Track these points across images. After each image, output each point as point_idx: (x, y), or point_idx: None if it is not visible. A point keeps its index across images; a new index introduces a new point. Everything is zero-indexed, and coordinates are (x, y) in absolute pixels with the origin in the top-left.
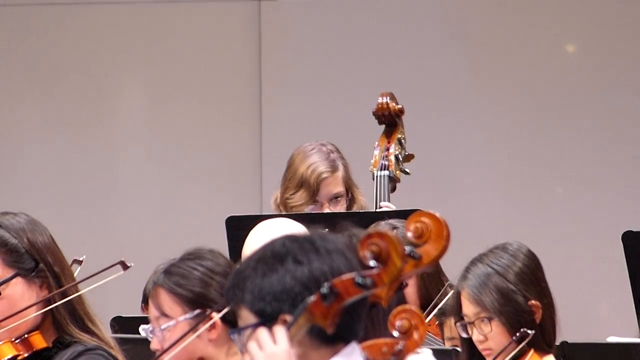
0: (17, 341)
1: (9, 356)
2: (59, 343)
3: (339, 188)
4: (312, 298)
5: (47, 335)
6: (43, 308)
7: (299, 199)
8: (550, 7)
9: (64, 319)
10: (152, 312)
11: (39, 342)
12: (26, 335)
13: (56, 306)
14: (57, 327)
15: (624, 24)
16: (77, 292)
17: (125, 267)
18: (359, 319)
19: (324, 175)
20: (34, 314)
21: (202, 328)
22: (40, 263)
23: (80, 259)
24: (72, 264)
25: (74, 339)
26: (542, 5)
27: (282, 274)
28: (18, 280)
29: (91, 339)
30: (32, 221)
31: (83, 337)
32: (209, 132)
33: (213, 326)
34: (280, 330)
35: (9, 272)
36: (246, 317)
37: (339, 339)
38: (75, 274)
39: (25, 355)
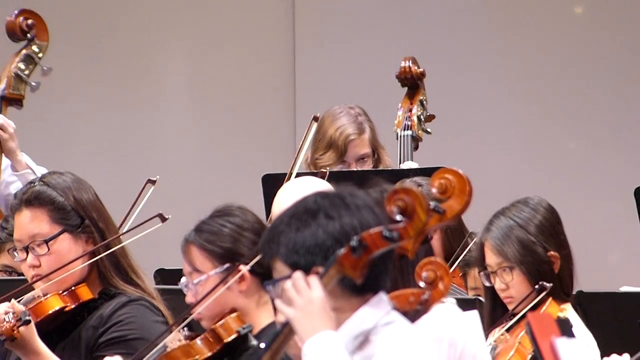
0: (64, 293)
1: (57, 307)
2: (104, 294)
3: (366, 149)
4: (343, 250)
5: (93, 287)
6: (88, 261)
7: (327, 159)
8: None
9: (108, 272)
10: (186, 267)
11: (85, 293)
12: (73, 288)
13: (101, 259)
14: (102, 280)
15: None
16: (121, 245)
17: (163, 219)
18: (386, 271)
19: (352, 137)
20: (80, 267)
21: (232, 281)
22: (86, 219)
23: (154, 178)
24: (146, 184)
25: (119, 291)
26: None
27: (315, 229)
28: (65, 236)
29: (135, 290)
30: (78, 180)
31: (127, 288)
32: (245, 93)
33: (242, 278)
34: (314, 279)
35: (57, 229)
36: (281, 269)
37: (368, 289)
38: (148, 194)
39: (72, 306)
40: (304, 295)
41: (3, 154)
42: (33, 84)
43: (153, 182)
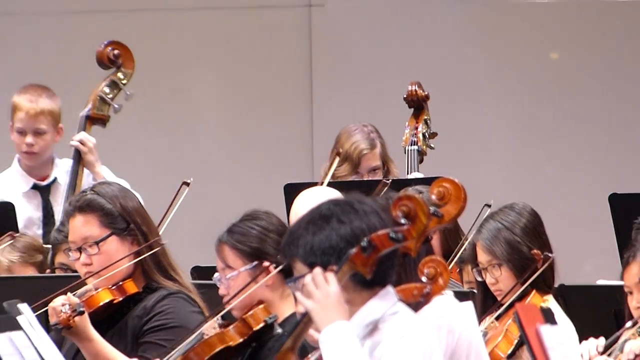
0: (113, 288)
1: (106, 300)
2: (148, 288)
3: (377, 162)
4: (354, 250)
5: (138, 282)
6: (134, 260)
7: (343, 170)
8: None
9: (151, 269)
10: (219, 264)
11: (131, 287)
12: (120, 283)
13: (144, 258)
14: (145, 276)
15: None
16: (162, 246)
17: (187, 184)
18: (392, 267)
19: (365, 152)
20: (126, 265)
21: (263, 280)
22: (131, 224)
23: (188, 180)
24: (181, 186)
25: (160, 285)
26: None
27: (329, 233)
28: (113, 238)
29: (174, 285)
30: (124, 189)
31: (167, 283)
32: (267, 114)
33: (268, 273)
34: (331, 275)
35: (106, 232)
36: (300, 268)
37: (376, 283)
38: (183, 195)
39: (120, 299)
40: (322, 290)
41: (85, 168)
42: (116, 106)
43: (187, 184)
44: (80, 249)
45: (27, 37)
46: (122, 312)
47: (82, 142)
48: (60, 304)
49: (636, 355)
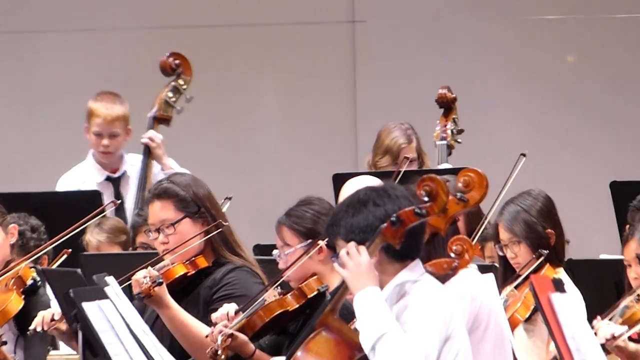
0: (187, 262)
1: (181, 273)
2: (216, 263)
3: (413, 154)
4: (385, 224)
5: (208, 257)
6: (204, 238)
7: (384, 162)
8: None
9: (219, 246)
10: (278, 242)
11: (202, 262)
12: (193, 258)
13: (213, 237)
14: (214, 252)
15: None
16: (227, 226)
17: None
18: (420, 243)
19: (402, 145)
20: (197, 243)
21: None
22: (202, 208)
23: (230, 196)
24: (224, 200)
25: (227, 260)
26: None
27: (366, 214)
28: (186, 220)
29: (239, 260)
30: (195, 179)
31: (233, 258)
32: (318, 119)
33: (321, 250)
34: (362, 248)
35: (180, 215)
36: (342, 245)
37: (406, 257)
38: (225, 208)
39: (193, 272)
40: (355, 260)
41: (154, 160)
42: (178, 108)
43: (229, 199)
44: (158, 230)
45: (104, 49)
46: (195, 284)
47: (151, 139)
48: (142, 277)
49: (611, 337)
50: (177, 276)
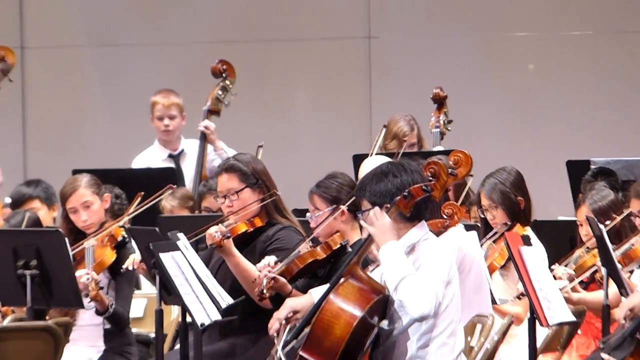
0: (247, 222)
1: (243, 230)
2: (269, 223)
3: (414, 140)
4: (399, 197)
5: (263, 219)
6: (261, 204)
7: (392, 145)
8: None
9: (271, 210)
10: (310, 207)
11: (259, 222)
12: (252, 219)
13: (267, 203)
14: (268, 215)
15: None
16: (278, 195)
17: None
18: (426, 208)
19: (407, 133)
20: (255, 207)
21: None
22: (259, 180)
23: (261, 144)
24: (257, 148)
25: (277, 221)
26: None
27: (386, 183)
28: (247, 190)
29: (286, 221)
30: (254, 157)
31: (282, 220)
32: (342, 116)
33: (343, 213)
34: (384, 212)
35: (242, 185)
36: (366, 205)
37: (415, 219)
38: (260, 155)
39: (251, 229)
40: (380, 220)
41: (209, 144)
42: (226, 102)
43: (261, 146)
44: (225, 197)
45: (171, 57)
46: (252, 239)
47: (206, 127)
48: (215, 231)
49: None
50: (240, 232)
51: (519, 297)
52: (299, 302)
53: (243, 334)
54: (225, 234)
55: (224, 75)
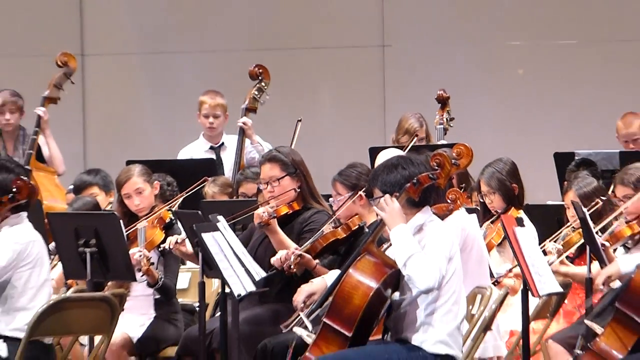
0: (287, 205)
1: (284, 212)
2: (305, 207)
3: (423, 135)
4: (408, 185)
5: (299, 203)
6: (298, 190)
7: (403, 139)
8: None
9: (307, 196)
10: (333, 192)
11: (296, 206)
12: (290, 202)
13: (303, 189)
14: (303, 200)
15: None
16: (313, 184)
17: (300, 120)
18: (431, 195)
19: (417, 129)
20: (294, 193)
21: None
22: (297, 169)
23: (300, 118)
24: (297, 122)
25: (311, 206)
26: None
27: (396, 174)
28: (287, 178)
29: (319, 206)
30: (293, 149)
31: (315, 205)
32: (359, 116)
33: (361, 198)
34: (394, 198)
35: (283, 174)
36: (378, 193)
37: (421, 204)
38: (298, 129)
39: (290, 212)
40: (390, 206)
41: (247, 138)
42: (262, 102)
43: (300, 120)
44: (267, 183)
45: (215, 63)
46: (290, 220)
47: (244, 123)
48: (262, 212)
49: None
50: (282, 214)
51: (513, 269)
52: (314, 287)
53: (279, 302)
54: (272, 214)
55: (259, 77)
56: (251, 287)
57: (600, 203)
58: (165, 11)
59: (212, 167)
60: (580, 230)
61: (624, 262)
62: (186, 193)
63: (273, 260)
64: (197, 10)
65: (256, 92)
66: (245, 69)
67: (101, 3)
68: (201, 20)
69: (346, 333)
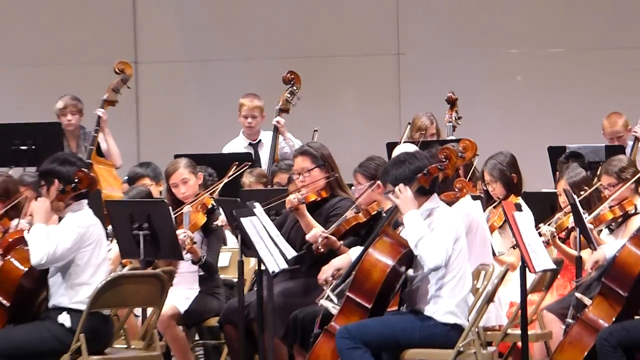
0: (316, 192)
1: (313, 199)
2: (332, 195)
3: (434, 131)
4: (420, 174)
5: (327, 192)
6: (326, 180)
7: (417, 136)
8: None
9: (334, 186)
10: (354, 182)
11: (324, 194)
12: (319, 190)
13: (331, 180)
14: (331, 189)
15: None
16: (339, 175)
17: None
18: (437, 185)
19: (428, 126)
20: (322, 183)
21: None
22: (326, 162)
23: (316, 129)
24: (313, 132)
25: (338, 194)
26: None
27: (403, 169)
28: (317, 169)
29: (345, 194)
30: (322, 145)
31: (341, 193)
32: (378, 116)
33: (378, 187)
34: (407, 187)
35: (313, 166)
36: (390, 187)
37: (429, 192)
38: (315, 137)
39: (319, 198)
40: (403, 194)
41: (280, 135)
42: (293, 103)
43: (316, 130)
44: (299, 174)
45: (256, 70)
46: (319, 206)
47: (278, 122)
48: (293, 198)
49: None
50: (311, 200)
51: (513, 247)
52: (341, 262)
53: (308, 277)
54: (301, 200)
55: (291, 82)
56: (284, 265)
57: (589, 191)
58: (209, 23)
59: (248, 160)
60: (571, 214)
61: (609, 249)
62: (227, 178)
63: (308, 236)
64: (237, 22)
65: (288, 95)
66: (279, 75)
67: (153, 16)
68: (241, 32)
69: (366, 305)
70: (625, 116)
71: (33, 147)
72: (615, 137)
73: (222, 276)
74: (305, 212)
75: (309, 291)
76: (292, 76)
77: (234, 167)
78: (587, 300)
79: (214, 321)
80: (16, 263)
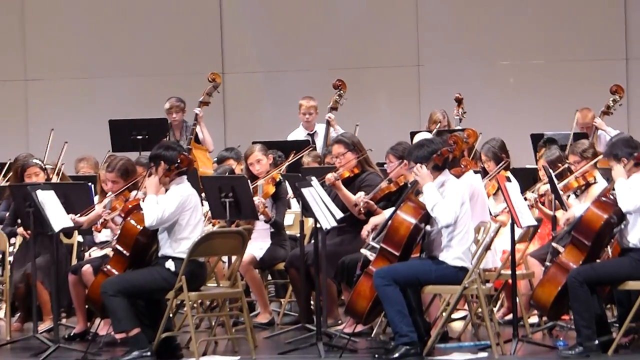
0: (349, 170)
1: (347, 175)
2: (362, 171)
3: (445, 123)
4: (435, 155)
5: (358, 169)
6: (357, 159)
7: (433, 127)
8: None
9: (364, 163)
10: (387, 161)
11: (356, 170)
12: (352, 168)
13: (361, 159)
14: (361, 166)
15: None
16: (368, 155)
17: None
18: (448, 162)
19: (441, 119)
20: (354, 162)
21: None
22: (356, 147)
23: (357, 123)
24: (356, 126)
25: (366, 170)
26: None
27: (423, 151)
28: (349, 153)
29: (373, 170)
30: (353, 134)
31: (370, 169)
32: (402, 114)
33: (406, 164)
34: (423, 166)
35: (346, 150)
36: (412, 164)
37: (442, 168)
38: (356, 132)
39: (352, 175)
40: (422, 171)
41: (331, 127)
42: (341, 103)
43: (358, 125)
44: (337, 157)
45: (311, 82)
46: (352, 180)
47: (329, 117)
48: (330, 175)
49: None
50: (345, 176)
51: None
52: (378, 219)
53: (350, 233)
54: (337, 177)
55: (339, 87)
56: (333, 223)
57: (562, 167)
58: (278, 41)
59: (306, 145)
60: (548, 184)
61: (577, 209)
62: (293, 158)
63: (355, 198)
64: (298, 41)
65: (337, 97)
66: (330, 82)
67: (236, 34)
68: (301, 49)
69: (395, 253)
70: (593, 111)
71: (146, 136)
72: (586, 127)
73: (287, 232)
74: (341, 186)
75: (353, 243)
76: (340, 83)
77: (293, 153)
78: (560, 249)
79: (281, 266)
80: (134, 223)
